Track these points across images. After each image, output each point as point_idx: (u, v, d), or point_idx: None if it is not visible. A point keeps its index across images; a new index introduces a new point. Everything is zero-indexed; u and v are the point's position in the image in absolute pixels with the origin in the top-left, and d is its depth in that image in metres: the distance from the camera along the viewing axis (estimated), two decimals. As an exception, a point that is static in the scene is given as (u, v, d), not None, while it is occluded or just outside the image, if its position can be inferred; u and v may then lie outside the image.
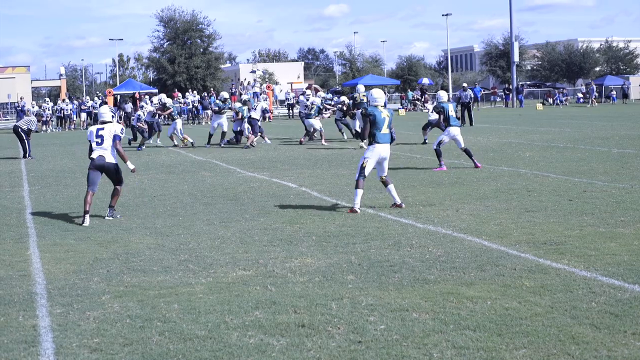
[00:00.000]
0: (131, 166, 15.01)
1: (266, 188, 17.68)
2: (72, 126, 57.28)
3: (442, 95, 21.83)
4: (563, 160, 21.18)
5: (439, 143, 20.49)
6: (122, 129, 14.80)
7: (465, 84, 51.36)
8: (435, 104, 21.85)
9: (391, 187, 14.33)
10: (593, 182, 16.47)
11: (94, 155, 14.56)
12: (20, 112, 56.37)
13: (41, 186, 19.86)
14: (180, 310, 8.00)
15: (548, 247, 10.36)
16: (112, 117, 15.31)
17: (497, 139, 30.05)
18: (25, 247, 11.80)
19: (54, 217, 14.55)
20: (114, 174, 14.65)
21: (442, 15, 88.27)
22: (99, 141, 14.55)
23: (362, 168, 14.12)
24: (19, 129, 30.37)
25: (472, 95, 44.02)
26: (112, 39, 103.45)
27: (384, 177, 14.34)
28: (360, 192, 14.05)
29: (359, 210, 13.82)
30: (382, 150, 14.18)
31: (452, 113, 20.89)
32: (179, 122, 33.26)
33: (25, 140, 29.91)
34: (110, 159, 14.54)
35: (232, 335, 7.12)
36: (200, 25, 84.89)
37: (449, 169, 20.10)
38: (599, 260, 9.55)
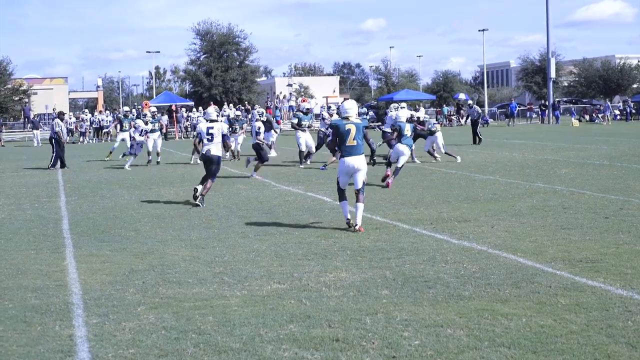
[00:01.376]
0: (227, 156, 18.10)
1: (301, 202, 17.72)
2: (110, 138, 57.68)
3: (402, 115, 22.81)
4: (599, 178, 21.03)
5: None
6: (227, 127, 18.64)
7: (470, 102, 49.98)
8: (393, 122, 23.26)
9: (360, 205, 13.76)
10: (630, 200, 16.35)
11: (204, 149, 17.93)
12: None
13: (78, 197, 20.04)
14: (215, 323, 8.03)
15: (584, 265, 10.30)
16: (217, 116, 18.66)
17: (533, 155, 29.90)
18: (61, 258, 11.91)
19: (91, 228, 14.67)
20: (215, 165, 17.93)
21: (479, 30, 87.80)
22: (210, 138, 17.87)
23: (338, 184, 14.21)
24: (52, 139, 30.98)
25: (479, 112, 42.24)
26: (149, 52, 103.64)
27: (356, 191, 13.90)
28: (344, 203, 14.06)
29: (348, 220, 13.85)
30: (350, 162, 13.84)
31: (407, 132, 21.82)
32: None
33: (55, 151, 30.47)
34: (215, 151, 17.93)
35: (267, 349, 7.14)
36: (236, 39, 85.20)
37: (486, 185, 20.04)
38: (636, 278, 9.47)
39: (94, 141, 57.08)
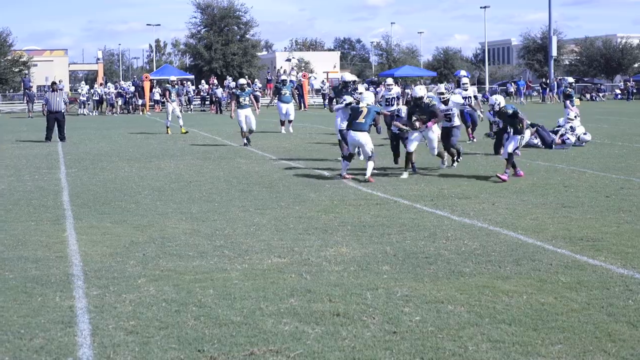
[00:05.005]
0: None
1: (302, 176, 17.68)
2: (113, 110, 57.40)
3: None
4: (600, 157, 21.01)
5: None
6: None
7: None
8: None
9: (370, 163, 16.88)
10: (631, 179, 16.33)
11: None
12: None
13: (78, 169, 19.99)
14: (215, 296, 8.03)
15: (585, 244, 10.29)
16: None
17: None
18: (62, 229, 11.89)
19: (91, 200, 14.64)
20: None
21: (480, 7, 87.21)
22: None
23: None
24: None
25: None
26: (150, 24, 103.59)
27: (367, 159, 17.14)
28: (346, 163, 17.47)
29: (344, 174, 17.20)
30: (355, 136, 17.01)
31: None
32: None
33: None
34: None
35: (267, 322, 7.14)
36: (237, 12, 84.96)
37: (487, 162, 20.01)
38: (636, 257, 9.47)
39: (94, 114, 56.89)
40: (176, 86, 33.95)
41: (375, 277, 8.72)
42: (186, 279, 8.74)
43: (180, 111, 33.66)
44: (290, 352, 6.41)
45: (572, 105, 28.57)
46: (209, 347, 6.55)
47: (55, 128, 29.87)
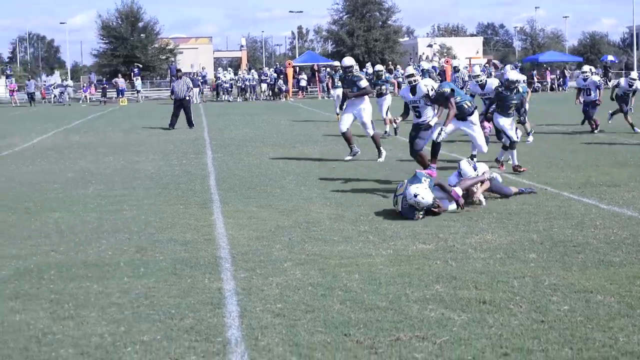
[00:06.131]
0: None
1: (445, 162, 17.49)
2: (254, 97, 58.38)
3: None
4: None
5: None
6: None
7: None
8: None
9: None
10: None
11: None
12: (202, 83, 58.46)
13: (223, 154, 20.39)
14: (361, 281, 8.06)
15: None
16: None
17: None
18: (209, 213, 12.14)
19: (237, 185, 14.91)
20: None
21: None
22: None
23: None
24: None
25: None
26: (292, 11, 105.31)
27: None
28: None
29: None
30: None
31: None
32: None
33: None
34: None
35: (413, 308, 7.12)
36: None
37: (636, 150, 19.44)
38: None
39: (239, 100, 57.91)
40: (339, 72, 33.83)
41: (522, 265, 8.59)
42: (331, 264, 8.81)
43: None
44: (436, 339, 6.38)
45: None
46: (355, 332, 6.58)
47: (183, 115, 30.50)
